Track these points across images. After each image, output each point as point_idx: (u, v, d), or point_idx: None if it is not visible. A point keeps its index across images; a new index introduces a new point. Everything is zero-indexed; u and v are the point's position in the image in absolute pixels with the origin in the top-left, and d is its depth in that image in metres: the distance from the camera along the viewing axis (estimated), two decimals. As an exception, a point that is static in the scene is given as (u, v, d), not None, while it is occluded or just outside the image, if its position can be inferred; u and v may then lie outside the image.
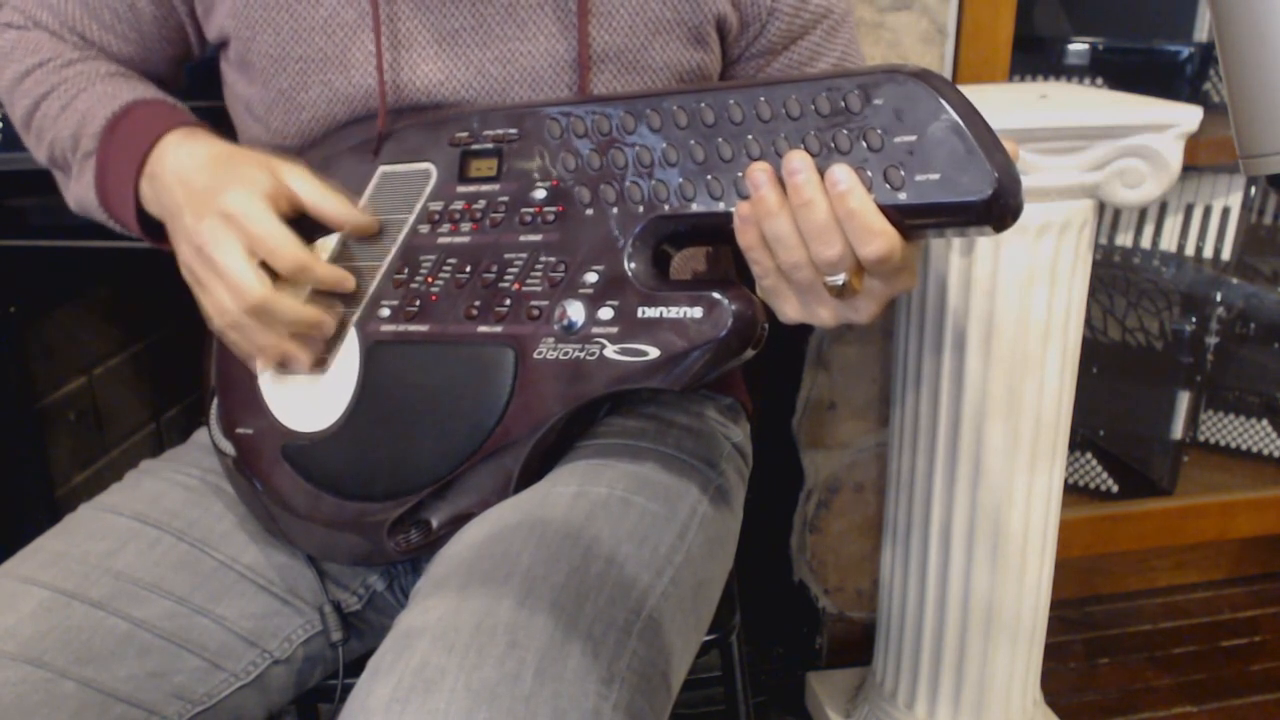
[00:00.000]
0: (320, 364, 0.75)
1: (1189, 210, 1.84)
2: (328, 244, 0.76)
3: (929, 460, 1.22)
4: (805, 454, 1.47)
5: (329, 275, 0.72)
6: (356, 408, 0.74)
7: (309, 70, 0.77)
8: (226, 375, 0.80)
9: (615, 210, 0.67)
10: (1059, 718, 1.38)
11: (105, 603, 0.70)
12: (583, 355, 0.66)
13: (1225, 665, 1.62)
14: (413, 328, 0.72)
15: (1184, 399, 1.85)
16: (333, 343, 0.75)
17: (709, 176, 0.64)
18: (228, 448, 0.79)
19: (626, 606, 0.63)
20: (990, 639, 1.24)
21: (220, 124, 0.81)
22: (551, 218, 0.69)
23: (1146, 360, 1.85)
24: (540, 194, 0.70)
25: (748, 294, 0.63)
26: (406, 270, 0.73)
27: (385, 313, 0.73)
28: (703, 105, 0.64)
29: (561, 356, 0.67)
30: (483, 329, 0.70)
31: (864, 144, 0.59)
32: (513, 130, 0.71)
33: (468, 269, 0.71)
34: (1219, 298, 1.86)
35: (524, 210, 0.70)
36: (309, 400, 0.75)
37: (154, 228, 0.78)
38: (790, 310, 0.64)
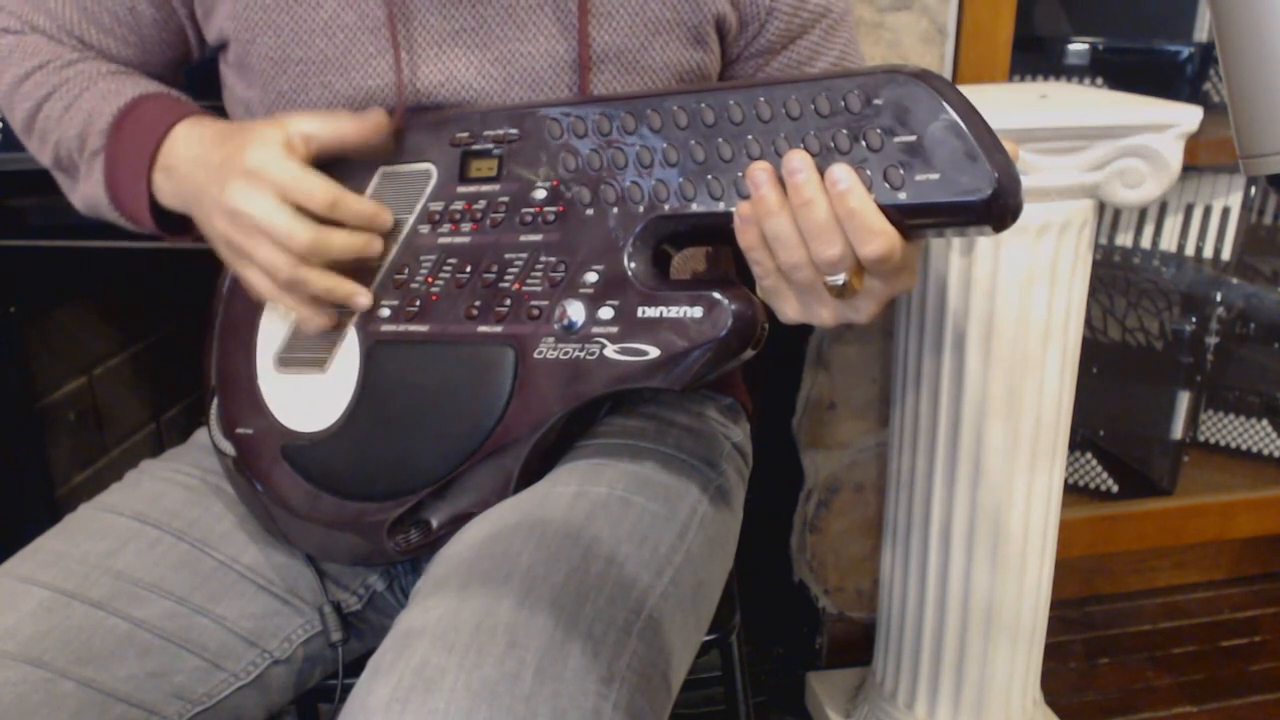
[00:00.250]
0: (320, 363, 0.75)
1: (1189, 210, 1.84)
2: None
3: (929, 460, 1.22)
4: (805, 454, 1.47)
5: (364, 208, 0.72)
6: (356, 408, 0.74)
7: (309, 73, 0.77)
8: (226, 375, 0.80)
9: (615, 210, 0.67)
10: (1059, 718, 1.38)
11: (105, 603, 0.70)
12: (583, 355, 0.66)
13: (1225, 665, 1.62)
14: (413, 328, 0.72)
15: (1184, 399, 1.85)
16: (333, 343, 0.75)
17: (709, 176, 0.64)
18: (228, 448, 0.79)
19: (626, 606, 0.63)
20: (990, 639, 1.24)
21: (217, 118, 0.81)
22: (552, 218, 0.69)
23: (1146, 360, 1.85)
24: (541, 194, 0.70)
25: (748, 294, 0.64)
26: (407, 270, 0.73)
27: (385, 313, 0.73)
28: (703, 105, 0.64)
29: (561, 356, 0.67)
30: (483, 329, 0.70)
31: (863, 144, 0.59)
32: (513, 130, 0.71)
33: (468, 269, 0.71)
34: (1219, 298, 1.87)
35: (524, 210, 0.70)
36: (309, 400, 0.75)
37: (167, 221, 0.78)
38: (790, 310, 0.64)
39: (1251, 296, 1.88)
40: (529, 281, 0.69)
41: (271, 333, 0.78)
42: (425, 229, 0.73)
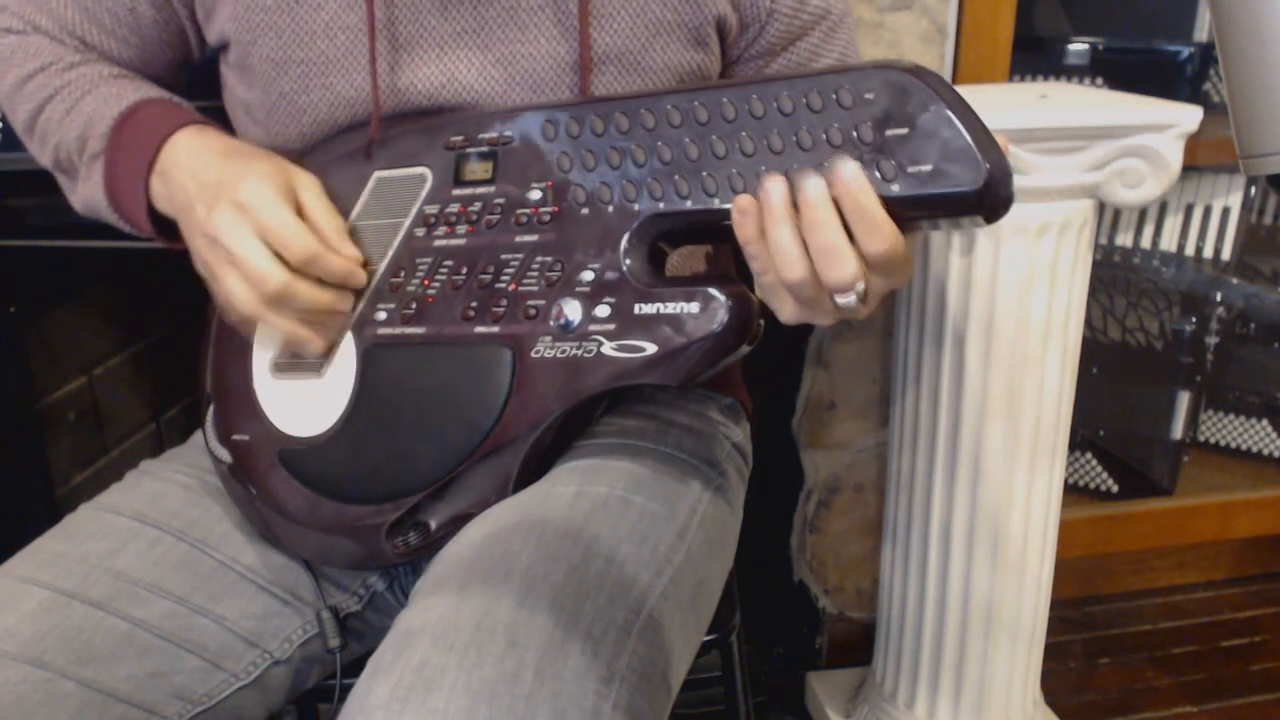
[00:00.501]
0: (317, 368, 0.75)
1: (1189, 210, 1.84)
2: None
3: (929, 460, 1.22)
4: (805, 454, 1.47)
5: (340, 267, 0.72)
6: (354, 411, 0.74)
7: (310, 74, 0.77)
8: (222, 381, 0.80)
9: (610, 209, 0.67)
10: (1059, 718, 1.38)
11: (105, 603, 0.70)
12: (580, 353, 0.66)
13: (1225, 665, 1.62)
14: (410, 330, 0.72)
15: (1184, 399, 1.85)
16: (329, 347, 0.75)
17: (703, 173, 0.64)
18: (223, 454, 0.79)
19: (626, 606, 0.63)
20: (990, 639, 1.24)
21: (220, 125, 0.81)
22: (547, 218, 0.69)
23: (1146, 360, 1.85)
24: (536, 194, 0.70)
25: (744, 289, 0.64)
26: (403, 274, 0.73)
27: (382, 316, 0.73)
28: (696, 104, 0.64)
29: (559, 354, 0.67)
30: (480, 329, 0.70)
31: (856, 136, 0.59)
32: (508, 133, 0.71)
33: (464, 270, 0.71)
34: (1219, 298, 1.86)
35: (520, 211, 0.70)
36: (306, 405, 0.75)
37: (164, 226, 0.78)
38: (788, 310, 0.64)
39: (1251, 296, 1.88)
40: (525, 281, 0.69)
41: (268, 338, 0.78)
42: (421, 232, 0.73)
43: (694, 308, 0.63)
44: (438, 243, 0.73)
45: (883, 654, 1.37)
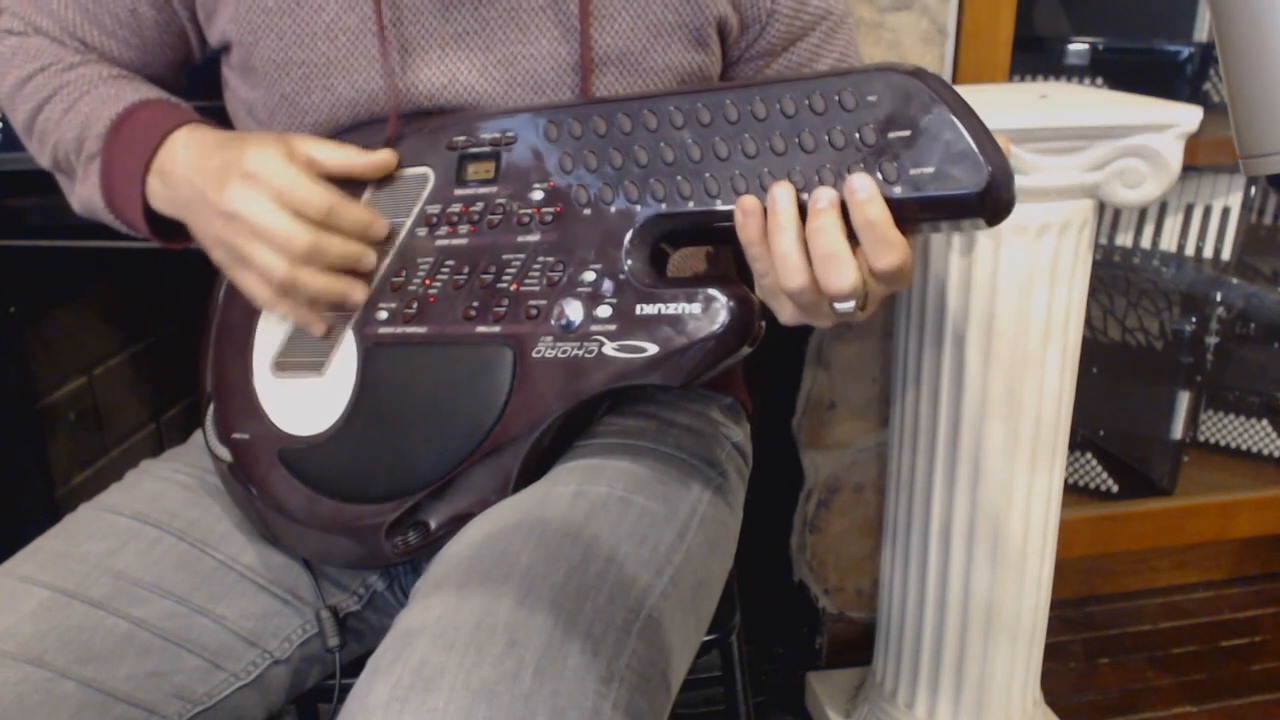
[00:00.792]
0: (317, 367, 0.75)
1: (1189, 210, 1.84)
2: None
3: (929, 460, 1.22)
4: (805, 454, 1.47)
5: (360, 216, 0.72)
6: (354, 410, 0.74)
7: (312, 75, 0.77)
8: (222, 380, 0.80)
9: (612, 209, 0.67)
10: (1059, 718, 1.38)
11: (105, 603, 0.70)
12: (581, 353, 0.67)
13: (1225, 665, 1.62)
14: (411, 329, 0.72)
15: (1184, 399, 1.85)
16: (330, 346, 0.75)
17: (706, 175, 0.64)
18: (223, 453, 0.79)
19: (626, 606, 0.63)
20: (990, 639, 1.24)
21: (220, 124, 0.81)
22: (549, 218, 0.69)
23: (1146, 360, 1.85)
24: (538, 195, 0.70)
25: (745, 290, 0.64)
26: (404, 273, 0.73)
27: (383, 315, 0.73)
28: (699, 105, 0.64)
29: (560, 355, 0.67)
30: (481, 329, 0.70)
31: (858, 138, 0.59)
32: (510, 133, 0.71)
33: (466, 270, 0.71)
34: (1219, 298, 1.87)
35: (522, 211, 0.70)
36: (306, 404, 0.75)
37: (161, 227, 0.78)
38: (788, 312, 0.65)
39: (1251, 296, 1.88)
40: (527, 281, 0.69)
41: (268, 337, 0.78)
42: (423, 232, 0.73)
43: (695, 308, 0.63)
44: (440, 242, 0.73)
45: (883, 654, 1.37)
